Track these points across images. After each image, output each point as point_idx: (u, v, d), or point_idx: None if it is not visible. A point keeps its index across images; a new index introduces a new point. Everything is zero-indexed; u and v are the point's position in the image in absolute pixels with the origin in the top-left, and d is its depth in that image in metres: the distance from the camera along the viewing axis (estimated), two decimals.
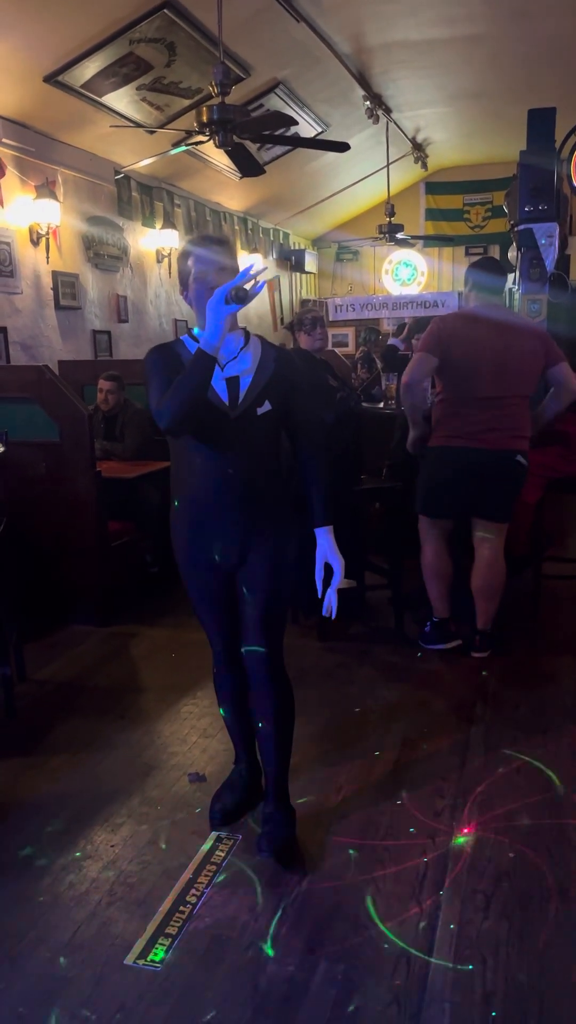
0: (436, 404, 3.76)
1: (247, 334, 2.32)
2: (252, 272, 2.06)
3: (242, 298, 2.05)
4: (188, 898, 2.21)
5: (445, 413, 3.69)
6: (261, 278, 2.08)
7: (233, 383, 2.25)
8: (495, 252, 10.82)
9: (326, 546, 2.35)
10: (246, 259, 9.52)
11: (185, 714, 3.29)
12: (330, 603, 2.37)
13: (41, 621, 4.20)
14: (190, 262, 2.24)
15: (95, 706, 3.40)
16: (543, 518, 4.20)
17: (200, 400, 2.13)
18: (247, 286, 2.05)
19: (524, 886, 2.24)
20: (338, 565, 2.36)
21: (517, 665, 3.69)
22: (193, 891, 2.24)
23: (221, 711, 2.62)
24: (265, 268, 2.21)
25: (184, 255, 2.27)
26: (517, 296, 6.30)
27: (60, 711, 3.35)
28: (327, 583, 2.37)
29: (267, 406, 2.26)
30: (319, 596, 2.38)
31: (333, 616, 2.40)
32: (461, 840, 2.45)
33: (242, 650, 2.38)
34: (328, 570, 2.37)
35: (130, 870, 2.34)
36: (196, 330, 2.31)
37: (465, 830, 2.49)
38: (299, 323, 4.19)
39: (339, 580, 2.37)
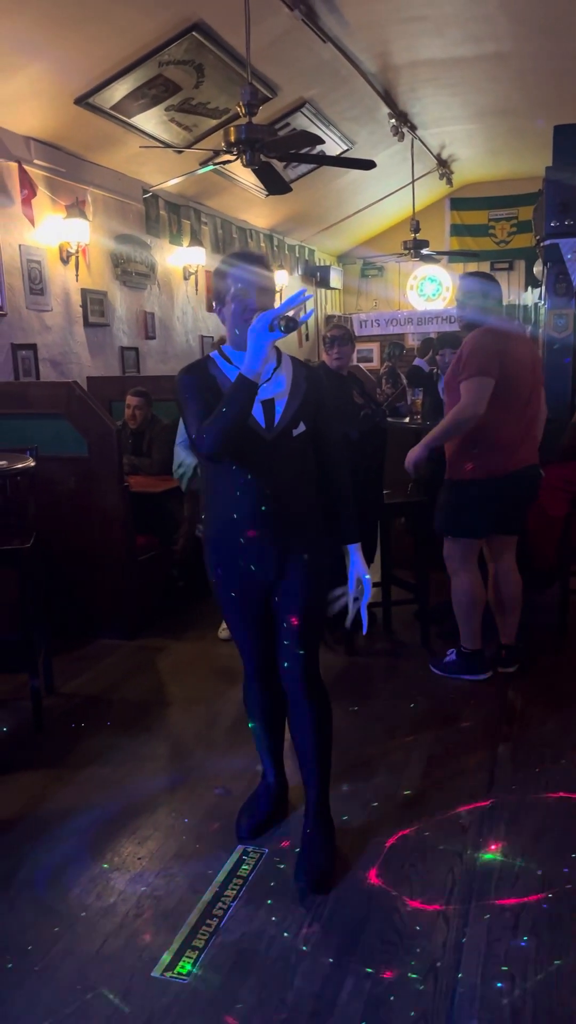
0: (484, 426, 3.44)
1: (279, 354, 2.31)
2: (298, 301, 2.02)
3: (290, 328, 2.02)
4: (215, 911, 2.22)
5: (494, 439, 3.44)
6: (307, 307, 2.07)
7: (269, 406, 2.24)
8: (520, 267, 10.83)
9: (357, 563, 2.40)
10: (284, 279, 9.57)
11: (211, 728, 3.30)
12: (361, 618, 2.42)
13: (69, 635, 4.23)
14: (228, 280, 2.21)
15: (122, 719, 3.42)
16: (570, 532, 4.18)
17: (242, 425, 2.13)
18: (292, 314, 2.02)
19: (552, 904, 2.22)
20: (368, 581, 2.41)
21: (544, 680, 3.66)
22: (220, 904, 2.25)
23: (251, 725, 2.63)
24: (311, 296, 2.21)
25: (222, 272, 2.24)
26: (544, 311, 6.30)
27: (88, 724, 3.37)
28: (357, 599, 2.41)
29: (302, 427, 2.27)
30: (348, 611, 2.43)
31: (364, 631, 2.45)
32: (489, 857, 2.43)
33: (280, 666, 2.37)
34: (359, 586, 2.41)
35: (157, 883, 2.35)
36: (227, 347, 2.30)
37: (493, 847, 2.48)
38: (323, 341, 4.24)
39: (368, 596, 2.42)
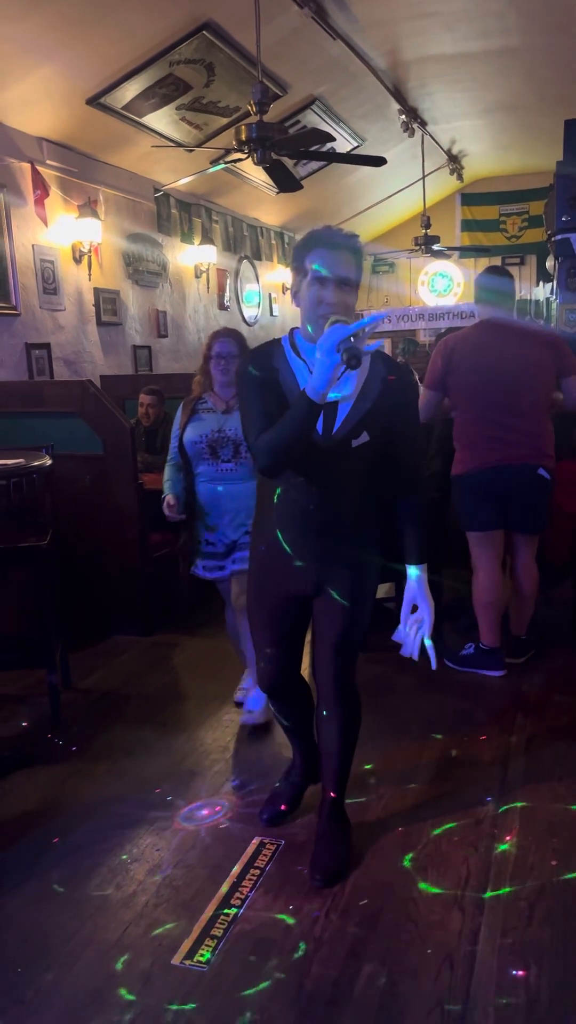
0: (455, 423, 3.67)
1: (369, 341, 1.97)
2: (372, 323, 1.81)
3: (352, 364, 1.79)
4: (233, 901, 2.25)
5: (463, 437, 3.61)
6: (377, 335, 1.92)
7: (330, 410, 2.01)
8: (532, 262, 10.80)
9: (416, 588, 2.19)
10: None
11: (227, 722, 3.34)
12: (412, 649, 2.21)
13: (85, 631, 4.27)
14: (308, 263, 1.98)
15: (138, 714, 3.46)
16: None
17: (300, 444, 1.94)
18: (360, 341, 1.81)
19: (568, 894, 2.24)
20: (428, 610, 2.18)
21: (558, 676, 3.67)
22: (238, 894, 2.27)
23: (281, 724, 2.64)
24: (386, 315, 2.01)
25: (304, 250, 2.00)
26: (555, 306, 6.30)
27: (104, 719, 3.41)
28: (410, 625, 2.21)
29: (364, 437, 2.04)
30: (402, 636, 2.23)
31: (433, 666, 2.21)
32: (504, 847, 2.45)
33: (315, 671, 2.35)
34: (413, 612, 2.21)
35: (175, 873, 2.38)
36: (299, 336, 2.09)
37: (507, 838, 2.49)
38: None
39: (429, 629, 2.19)
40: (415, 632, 2.20)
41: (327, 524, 2.14)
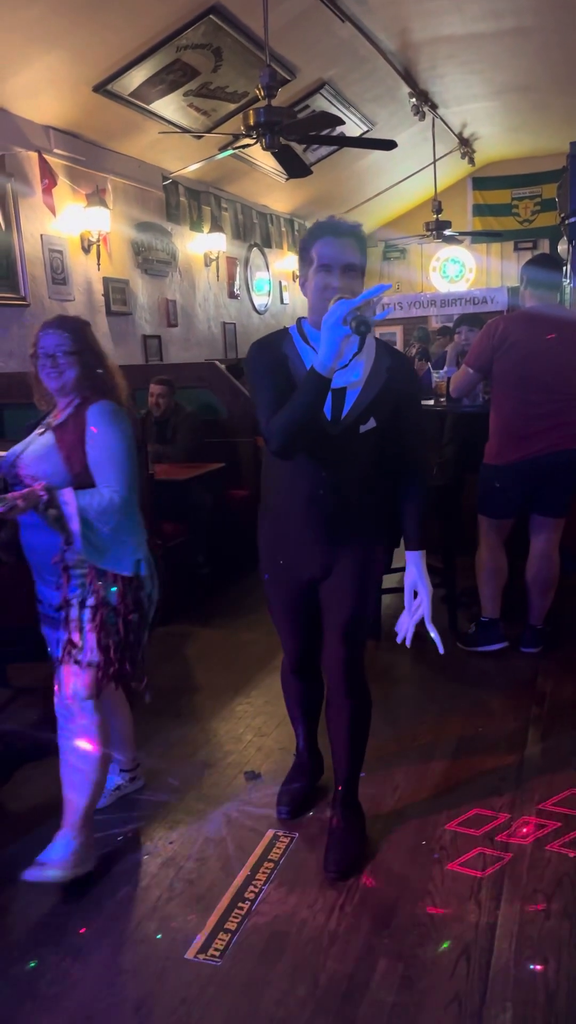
0: (493, 412, 3.64)
1: (363, 338, 2.06)
2: (376, 294, 1.85)
3: (362, 331, 1.82)
4: (247, 894, 2.23)
5: (503, 427, 3.57)
6: (386, 300, 1.95)
7: (339, 396, 2.05)
8: (545, 246, 10.68)
9: (416, 572, 2.22)
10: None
11: (240, 713, 3.32)
12: (407, 633, 2.25)
13: None
14: (314, 251, 2.03)
15: (151, 705, 3.40)
16: None
17: (312, 422, 1.97)
18: (368, 310, 1.84)
19: None
20: (426, 593, 2.23)
21: (574, 664, 3.63)
22: (251, 888, 2.26)
23: (287, 707, 2.65)
24: (389, 286, 2.09)
25: (307, 243, 2.06)
26: (568, 290, 6.21)
27: None
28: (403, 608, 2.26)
29: (371, 423, 2.08)
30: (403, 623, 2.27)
31: (440, 650, 2.25)
32: (520, 839, 2.42)
33: (323, 660, 2.34)
34: (414, 598, 2.24)
35: (189, 867, 2.37)
36: (307, 325, 2.12)
37: (524, 830, 2.47)
38: None
39: (427, 611, 2.22)
40: (413, 616, 2.24)
41: (336, 509, 2.16)
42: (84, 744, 2.27)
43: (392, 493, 2.25)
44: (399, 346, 10.79)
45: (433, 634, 2.24)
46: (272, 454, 2.07)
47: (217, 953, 2.02)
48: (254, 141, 4.80)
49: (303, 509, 2.17)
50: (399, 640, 2.27)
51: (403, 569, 2.29)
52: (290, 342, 2.12)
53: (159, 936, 2.09)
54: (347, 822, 2.39)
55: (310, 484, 2.13)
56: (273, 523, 2.28)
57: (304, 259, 2.08)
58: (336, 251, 2.01)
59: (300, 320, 2.16)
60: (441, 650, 2.26)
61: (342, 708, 2.33)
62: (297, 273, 2.16)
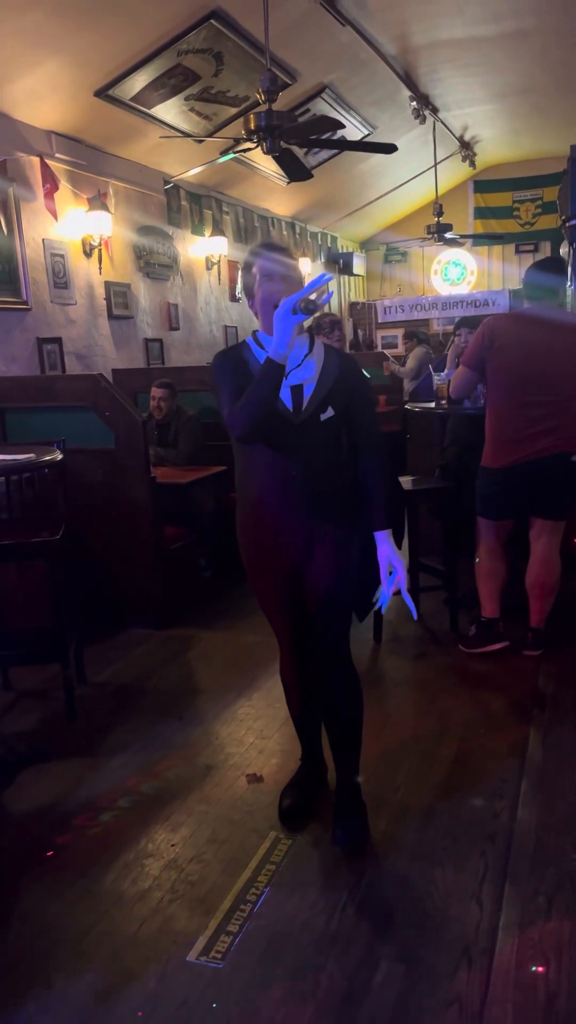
0: (488, 414, 3.65)
1: (311, 340, 2.35)
2: (320, 284, 2.08)
3: (311, 310, 2.08)
4: (248, 896, 2.23)
5: (497, 431, 3.58)
6: (329, 289, 2.13)
7: (297, 391, 2.29)
8: (546, 249, 10.70)
9: (388, 550, 2.37)
10: (307, 266, 9.53)
11: (242, 715, 3.32)
12: (384, 600, 2.39)
13: (100, 625, 4.27)
14: (255, 270, 2.28)
15: (153, 708, 3.45)
16: None
17: (270, 408, 2.18)
18: (313, 297, 2.08)
19: None
20: (400, 566, 2.38)
21: (575, 666, 3.64)
22: (253, 890, 2.26)
23: (288, 706, 2.67)
24: (332, 278, 2.26)
25: (248, 265, 2.32)
26: (570, 292, 6.22)
27: (120, 713, 3.41)
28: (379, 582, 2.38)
29: (330, 412, 2.30)
30: (379, 597, 2.41)
31: (415, 616, 2.43)
32: (522, 840, 2.42)
33: (309, 646, 2.43)
34: (390, 572, 2.38)
35: (191, 868, 2.37)
36: (261, 334, 2.34)
37: (526, 830, 2.47)
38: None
39: (403, 582, 2.38)
40: (391, 587, 2.37)
41: (309, 490, 2.30)
42: None
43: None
44: (400, 349, 10.80)
45: (408, 602, 2.38)
46: (236, 439, 2.27)
47: (219, 955, 2.03)
48: (255, 145, 4.81)
49: (279, 494, 2.32)
50: (376, 607, 2.43)
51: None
52: (248, 349, 2.34)
53: (160, 937, 2.10)
54: (351, 806, 2.45)
55: (283, 469, 2.29)
56: (251, 514, 2.39)
57: (247, 277, 2.32)
58: (274, 266, 2.26)
59: (255, 332, 2.37)
60: (415, 616, 2.43)
61: (333, 695, 2.41)
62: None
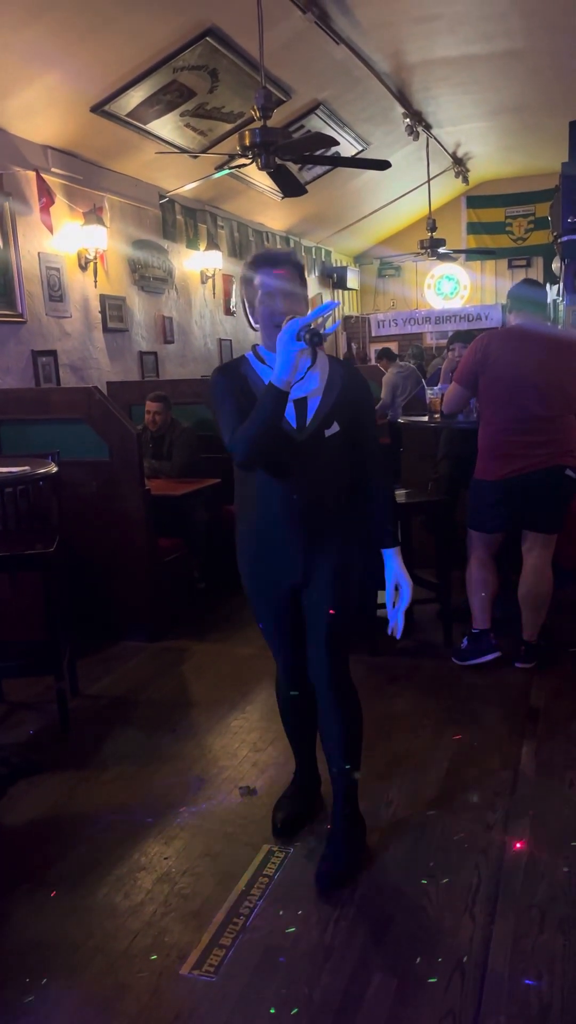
0: (481, 429, 3.68)
1: (315, 352, 2.24)
2: (327, 311, 1.99)
3: (315, 341, 1.96)
4: (241, 910, 2.23)
5: (490, 445, 3.61)
6: (336, 318, 2.06)
7: (301, 405, 2.20)
8: (538, 264, 10.78)
9: (395, 567, 2.33)
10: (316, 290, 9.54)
11: (235, 728, 3.32)
12: (396, 623, 2.35)
13: (93, 637, 4.27)
14: (256, 283, 2.18)
15: (147, 720, 3.45)
16: None
17: (274, 434, 2.09)
18: (317, 323, 1.98)
19: None
20: (407, 587, 2.34)
21: (567, 679, 3.64)
22: (246, 902, 2.26)
23: (283, 720, 2.64)
24: (338, 304, 2.19)
25: (248, 278, 2.20)
26: (562, 307, 6.27)
27: (113, 725, 3.40)
28: (393, 603, 2.34)
29: (335, 427, 2.21)
30: (385, 617, 2.38)
31: (398, 636, 2.38)
32: (514, 854, 2.43)
33: (309, 666, 2.37)
34: (396, 592, 2.34)
35: (184, 882, 2.37)
36: (262, 348, 2.26)
37: (518, 844, 2.47)
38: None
39: (407, 602, 2.34)
40: (399, 608, 2.33)
41: (310, 512, 2.24)
42: None
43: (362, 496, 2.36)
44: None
45: (399, 622, 2.35)
46: (238, 466, 2.20)
47: (212, 968, 2.02)
48: (250, 161, 4.85)
49: (279, 516, 2.24)
50: (389, 632, 2.37)
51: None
52: (248, 365, 2.25)
53: (153, 951, 2.09)
54: (346, 832, 2.40)
55: (284, 490, 2.21)
56: (251, 534, 2.34)
57: (248, 290, 2.21)
58: (276, 281, 2.15)
59: (255, 346, 2.29)
60: (399, 636, 2.37)
61: (331, 714, 2.36)
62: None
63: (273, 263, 2.18)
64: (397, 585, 2.33)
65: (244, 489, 2.33)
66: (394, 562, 2.33)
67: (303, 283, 2.22)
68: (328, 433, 2.21)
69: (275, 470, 2.20)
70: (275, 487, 2.22)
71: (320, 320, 2.02)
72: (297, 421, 2.20)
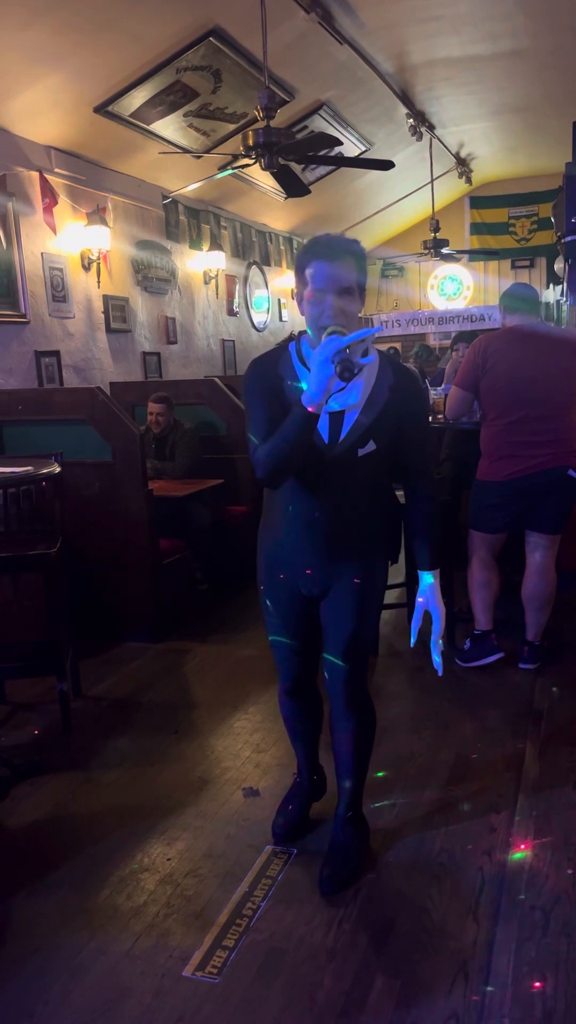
0: (483, 430, 3.68)
1: (365, 353, 1.97)
2: (368, 335, 1.83)
3: (346, 377, 1.77)
4: (244, 911, 2.22)
5: (492, 447, 3.61)
6: (370, 351, 1.84)
7: (336, 419, 2.00)
8: (542, 265, 10.77)
9: (428, 592, 2.21)
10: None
11: (238, 729, 3.32)
12: (436, 662, 2.24)
13: (96, 638, 4.27)
14: (308, 272, 1.96)
15: (149, 721, 3.44)
16: None
17: (300, 454, 1.94)
18: (353, 348, 1.81)
19: None
20: (439, 615, 2.21)
21: (571, 680, 3.63)
22: (249, 904, 2.25)
23: (286, 727, 2.62)
24: (381, 329, 2.04)
25: (304, 262, 1.98)
26: (565, 308, 6.26)
27: (115, 727, 3.40)
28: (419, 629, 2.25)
29: (371, 446, 2.02)
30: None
31: (440, 673, 2.26)
32: (518, 856, 2.42)
33: (324, 677, 2.31)
34: (426, 618, 2.23)
35: (187, 883, 2.36)
36: (306, 343, 2.07)
37: (522, 846, 2.46)
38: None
39: (440, 633, 2.22)
40: (435, 642, 2.23)
41: (333, 532, 2.12)
42: None
43: (394, 510, 2.22)
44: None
45: (435, 657, 2.24)
46: (259, 483, 2.07)
47: (215, 970, 2.02)
48: (253, 161, 4.84)
49: (300, 532, 2.14)
50: (436, 665, 2.26)
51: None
52: (287, 361, 2.07)
53: (156, 953, 2.09)
54: (348, 837, 2.39)
55: (307, 507, 2.10)
56: (272, 542, 2.26)
57: (299, 277, 2.01)
58: (330, 274, 1.93)
59: (300, 337, 2.10)
60: (440, 672, 2.27)
61: (347, 726, 2.31)
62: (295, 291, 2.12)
63: (331, 254, 1.94)
64: (426, 612, 2.21)
65: (270, 496, 2.23)
66: (428, 586, 2.20)
67: (363, 274, 1.99)
68: (362, 452, 2.03)
69: (300, 485, 2.07)
70: (298, 503, 2.10)
71: (357, 344, 1.83)
72: (330, 436, 2.01)
